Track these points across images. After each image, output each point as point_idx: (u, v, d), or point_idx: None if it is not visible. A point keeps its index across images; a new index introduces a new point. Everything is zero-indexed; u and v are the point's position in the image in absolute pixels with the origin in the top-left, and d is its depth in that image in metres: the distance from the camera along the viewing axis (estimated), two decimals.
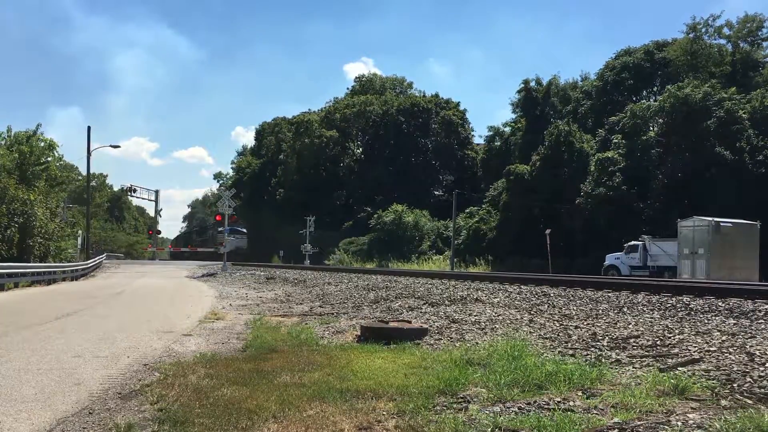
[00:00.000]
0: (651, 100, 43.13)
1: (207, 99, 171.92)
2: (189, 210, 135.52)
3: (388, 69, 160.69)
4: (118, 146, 38.71)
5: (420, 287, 13.52)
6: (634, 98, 45.73)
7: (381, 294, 12.35)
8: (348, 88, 76.76)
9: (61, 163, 42.70)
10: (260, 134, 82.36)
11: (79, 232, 38.24)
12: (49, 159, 33.28)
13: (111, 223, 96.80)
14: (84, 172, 44.31)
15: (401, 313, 9.29)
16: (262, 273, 25.28)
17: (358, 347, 6.46)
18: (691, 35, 42.09)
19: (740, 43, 41.94)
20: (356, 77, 77.39)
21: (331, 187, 62.77)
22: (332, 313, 10.00)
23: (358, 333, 7.31)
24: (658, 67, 45.27)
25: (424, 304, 10.20)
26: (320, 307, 11.23)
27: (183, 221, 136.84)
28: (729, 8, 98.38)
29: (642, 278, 12.62)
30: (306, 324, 8.82)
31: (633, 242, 27.87)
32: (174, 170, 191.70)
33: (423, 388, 4.36)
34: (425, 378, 4.71)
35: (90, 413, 4.04)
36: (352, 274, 22.19)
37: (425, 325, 7.50)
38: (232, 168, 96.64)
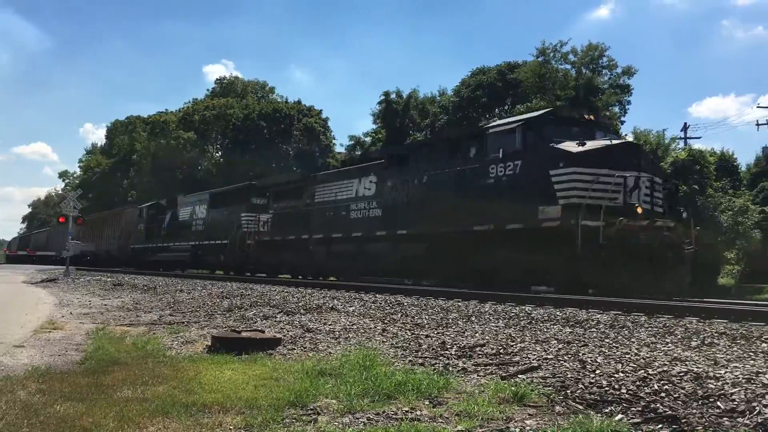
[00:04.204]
0: (502, 117, 45.33)
1: (54, 92, 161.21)
2: (30, 210, 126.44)
3: (250, 73, 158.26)
4: None
5: (276, 295, 13.37)
6: (487, 115, 47.94)
7: (235, 302, 12.07)
8: (208, 90, 74.87)
9: None
10: (112, 132, 78.37)
11: None
12: None
13: None
14: None
15: (255, 322, 9.12)
16: (109, 279, 23.94)
17: (208, 358, 6.26)
18: (540, 59, 44.78)
19: (583, 69, 45.17)
20: (217, 79, 75.68)
21: (188, 190, 60.72)
22: (183, 322, 9.64)
23: (209, 343, 7.08)
24: (509, 87, 47.75)
25: (280, 312, 10.08)
26: (170, 315, 10.79)
27: (22, 222, 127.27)
28: (575, 36, 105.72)
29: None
30: (153, 334, 8.43)
31: None
32: (13, 167, 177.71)
33: (273, 400, 4.29)
34: (276, 389, 4.63)
35: None
36: (207, 281, 21.56)
37: (279, 335, 7.41)
38: (79, 167, 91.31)
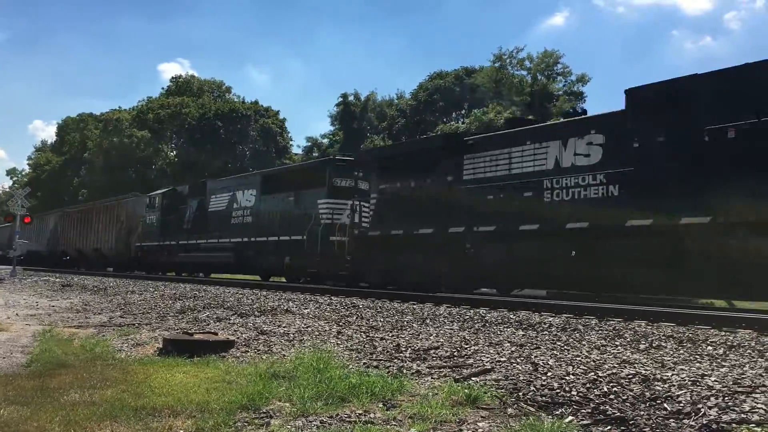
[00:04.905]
0: (459, 122, 45.81)
1: (1, 88, 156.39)
2: None
3: (206, 72, 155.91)
4: None
5: (230, 297, 13.23)
6: (444, 119, 48.37)
7: (188, 304, 11.90)
8: (163, 88, 73.57)
9: None
10: (63, 130, 76.52)
11: None
12: None
13: None
14: None
15: (208, 324, 9.00)
16: (58, 279, 23.35)
17: (159, 361, 6.15)
18: (496, 64, 45.36)
19: (539, 75, 45.90)
20: (172, 78, 74.41)
21: (142, 189, 59.62)
22: (133, 324, 9.46)
23: (161, 346, 6.96)
24: (466, 91, 48.25)
25: (233, 314, 9.97)
26: (121, 317, 10.58)
27: None
28: (531, 43, 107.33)
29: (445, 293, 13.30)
30: (103, 336, 8.25)
31: None
32: None
33: (225, 404, 4.23)
34: (228, 393, 4.58)
35: None
36: (159, 282, 21.21)
37: (232, 337, 7.33)
38: (28, 164, 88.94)
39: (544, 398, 4.33)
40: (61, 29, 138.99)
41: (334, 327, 8.28)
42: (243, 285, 18.56)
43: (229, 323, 9.01)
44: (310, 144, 61.04)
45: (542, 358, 5.60)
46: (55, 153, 76.25)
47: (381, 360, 5.92)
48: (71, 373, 5.46)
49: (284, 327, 8.30)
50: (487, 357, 5.77)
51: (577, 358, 5.54)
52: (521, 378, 4.86)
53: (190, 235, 26.27)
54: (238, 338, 7.39)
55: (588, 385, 4.49)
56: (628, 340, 6.84)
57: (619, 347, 6.32)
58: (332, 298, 13.16)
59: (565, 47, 64.29)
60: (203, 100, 66.03)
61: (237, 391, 4.58)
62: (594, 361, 5.37)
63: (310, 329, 8.07)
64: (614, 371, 4.87)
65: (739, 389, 4.18)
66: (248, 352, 6.69)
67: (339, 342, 7.07)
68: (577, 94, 46.92)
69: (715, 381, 4.45)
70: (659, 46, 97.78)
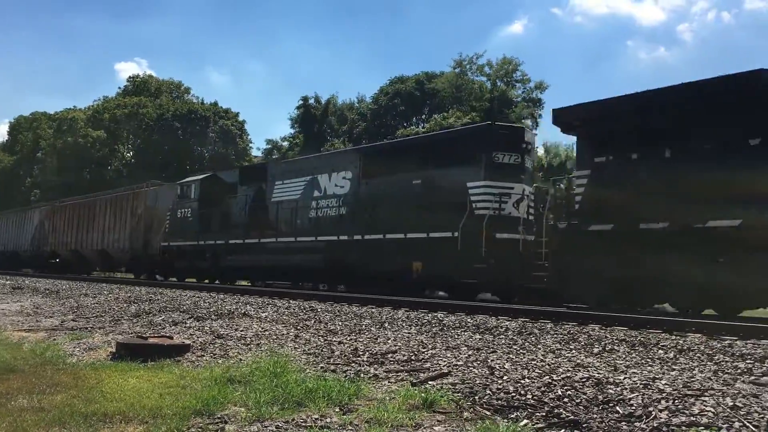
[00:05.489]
0: (419, 126, 46.04)
1: None
2: None
3: (165, 72, 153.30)
4: None
5: (187, 300, 13.05)
6: (405, 124, 48.57)
7: (143, 307, 11.70)
8: (120, 88, 72.24)
9: None
10: (15, 129, 74.54)
11: None
12: None
13: None
14: None
15: (164, 328, 8.87)
16: (8, 282, 22.72)
17: (112, 366, 6.03)
18: (457, 70, 45.76)
19: (498, 82, 46.45)
20: (130, 77, 73.14)
21: (97, 190, 58.49)
22: (86, 328, 9.26)
23: (114, 350, 6.83)
24: (427, 96, 48.56)
25: (190, 318, 9.84)
26: (73, 321, 10.36)
27: None
28: (491, 49, 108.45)
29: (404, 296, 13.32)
30: (54, 340, 8.06)
31: None
32: None
33: (179, 409, 4.17)
34: (182, 398, 4.51)
35: None
36: (114, 284, 20.79)
37: (188, 341, 7.23)
38: None
39: (499, 402, 4.37)
40: (13, 25, 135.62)
41: (292, 331, 8.23)
42: (200, 288, 18.30)
43: (185, 327, 8.89)
44: (270, 146, 60.65)
45: (499, 362, 5.65)
46: (7, 152, 74.27)
47: (338, 364, 5.91)
48: (20, 378, 5.32)
49: (241, 331, 8.22)
50: (445, 361, 5.80)
51: (533, 362, 5.61)
52: (478, 382, 4.90)
53: (247, 232, 20.36)
54: (194, 342, 7.29)
55: (543, 389, 4.55)
56: (583, 344, 6.95)
57: (574, 351, 6.42)
58: (290, 301, 13.08)
59: (524, 54, 65.36)
60: (161, 101, 65.06)
61: (191, 396, 4.52)
62: (549, 365, 5.44)
63: (267, 333, 8.01)
64: (568, 375, 4.94)
65: (689, 392, 4.28)
66: (204, 356, 6.61)
67: (297, 346, 7.03)
68: (535, 101, 47.63)
69: (666, 384, 4.54)
70: (615, 55, 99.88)
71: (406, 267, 15.17)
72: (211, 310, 10.79)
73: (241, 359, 6.27)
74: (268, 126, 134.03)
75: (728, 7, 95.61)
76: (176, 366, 6.00)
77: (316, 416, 4.06)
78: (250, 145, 66.38)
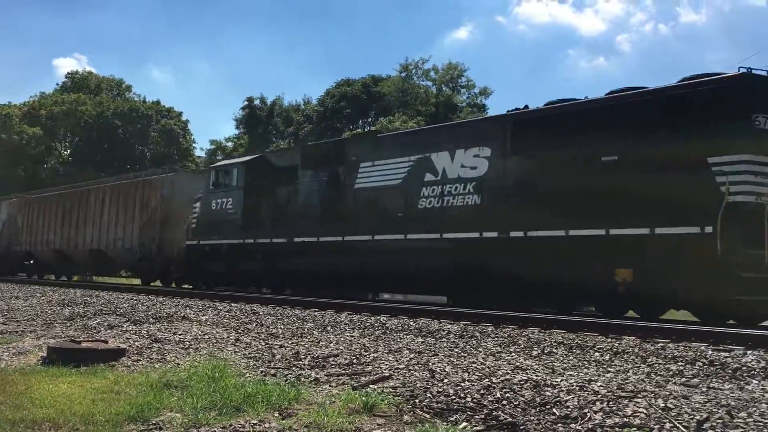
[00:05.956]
0: (366, 129, 46.10)
1: None
2: None
3: (105, 69, 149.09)
4: None
5: (124, 303, 12.72)
6: (351, 126, 48.58)
7: (78, 310, 11.36)
8: (58, 84, 70.02)
9: None
10: None
11: None
12: None
13: None
14: None
15: (99, 332, 8.63)
16: None
17: (43, 371, 5.84)
18: (403, 74, 46.02)
19: (443, 87, 46.90)
20: (68, 73, 70.99)
21: (32, 189, 56.54)
22: (16, 332, 8.94)
23: (45, 354, 6.60)
24: (373, 99, 48.67)
25: (126, 321, 9.60)
26: (2, 324, 9.98)
27: None
28: (436, 54, 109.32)
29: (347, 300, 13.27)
30: None
31: None
32: None
33: (111, 415, 4.06)
34: (116, 403, 4.39)
35: None
36: (47, 286, 20.14)
37: (124, 345, 7.05)
38: None
39: (439, 405, 4.38)
40: None
41: (233, 334, 8.11)
42: (139, 291, 17.87)
43: (121, 330, 8.67)
44: (214, 147, 59.79)
45: (440, 365, 5.68)
46: None
47: (279, 368, 5.84)
48: None
49: (180, 334, 8.06)
50: (386, 364, 5.79)
51: (473, 365, 5.66)
52: (418, 385, 4.91)
53: (321, 227, 15.49)
54: (130, 346, 7.11)
55: (482, 392, 4.59)
56: (522, 346, 7.05)
57: (513, 354, 6.51)
58: (232, 304, 12.88)
59: (469, 60, 66.16)
60: (101, 98, 63.41)
61: (125, 402, 4.40)
62: (489, 368, 5.49)
63: (207, 337, 7.87)
64: (507, 377, 5.00)
65: (623, 394, 4.38)
66: (140, 360, 6.45)
67: (237, 350, 6.93)
68: (479, 107, 48.25)
69: (601, 386, 4.64)
70: (557, 64, 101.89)
71: (602, 276, 10.76)
72: (150, 313, 10.54)
73: (178, 363, 6.14)
74: (212, 126, 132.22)
75: (665, 19, 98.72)
76: (110, 371, 5.85)
77: (255, 421, 4.00)
78: (194, 145, 65.32)
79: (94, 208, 24.91)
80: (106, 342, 7.16)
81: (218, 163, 19.83)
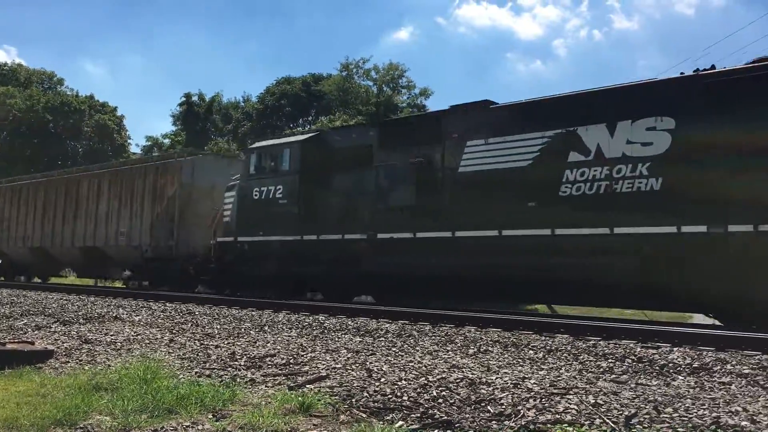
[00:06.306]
0: (306, 128, 45.82)
1: None
2: None
3: (36, 61, 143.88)
4: None
5: (53, 303, 12.30)
6: (291, 125, 48.21)
7: (4, 311, 10.94)
8: None
9: None
10: None
11: None
12: None
13: None
14: None
15: (25, 333, 8.32)
16: None
17: None
18: (343, 73, 45.89)
19: (384, 87, 46.96)
20: None
21: None
22: None
23: None
24: (314, 98, 48.40)
25: (55, 322, 9.29)
26: None
27: None
28: (377, 54, 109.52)
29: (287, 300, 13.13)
30: None
31: None
32: None
33: (37, 419, 3.92)
34: (42, 407, 4.24)
35: None
36: None
37: (51, 346, 6.82)
38: None
39: (376, 404, 4.39)
40: None
41: (167, 335, 7.94)
42: (69, 290, 17.29)
43: (49, 332, 8.38)
44: (150, 143, 58.38)
45: (377, 364, 5.69)
46: None
47: (214, 369, 5.75)
48: None
49: (112, 335, 7.84)
50: (323, 364, 5.77)
51: (410, 364, 5.69)
52: (355, 384, 4.91)
53: (414, 220, 12.26)
54: (58, 348, 6.89)
55: (419, 390, 4.62)
56: (459, 345, 7.13)
57: (450, 352, 6.57)
58: (167, 304, 12.60)
59: (409, 61, 66.51)
60: (31, 91, 61.13)
61: (52, 405, 4.25)
62: (426, 367, 5.53)
63: (140, 337, 7.68)
64: (444, 376, 5.04)
65: (555, 391, 4.48)
66: (69, 362, 6.25)
67: (171, 350, 6.78)
68: (420, 107, 48.51)
69: (535, 383, 4.73)
70: (496, 66, 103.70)
71: None
72: (80, 313, 10.23)
73: (109, 365, 5.97)
74: (147, 122, 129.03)
75: (599, 25, 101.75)
76: (37, 373, 5.64)
77: (188, 423, 3.93)
78: (129, 141, 63.65)
79: (87, 198, 20.88)
80: (32, 343, 6.90)
81: (260, 143, 16.37)
